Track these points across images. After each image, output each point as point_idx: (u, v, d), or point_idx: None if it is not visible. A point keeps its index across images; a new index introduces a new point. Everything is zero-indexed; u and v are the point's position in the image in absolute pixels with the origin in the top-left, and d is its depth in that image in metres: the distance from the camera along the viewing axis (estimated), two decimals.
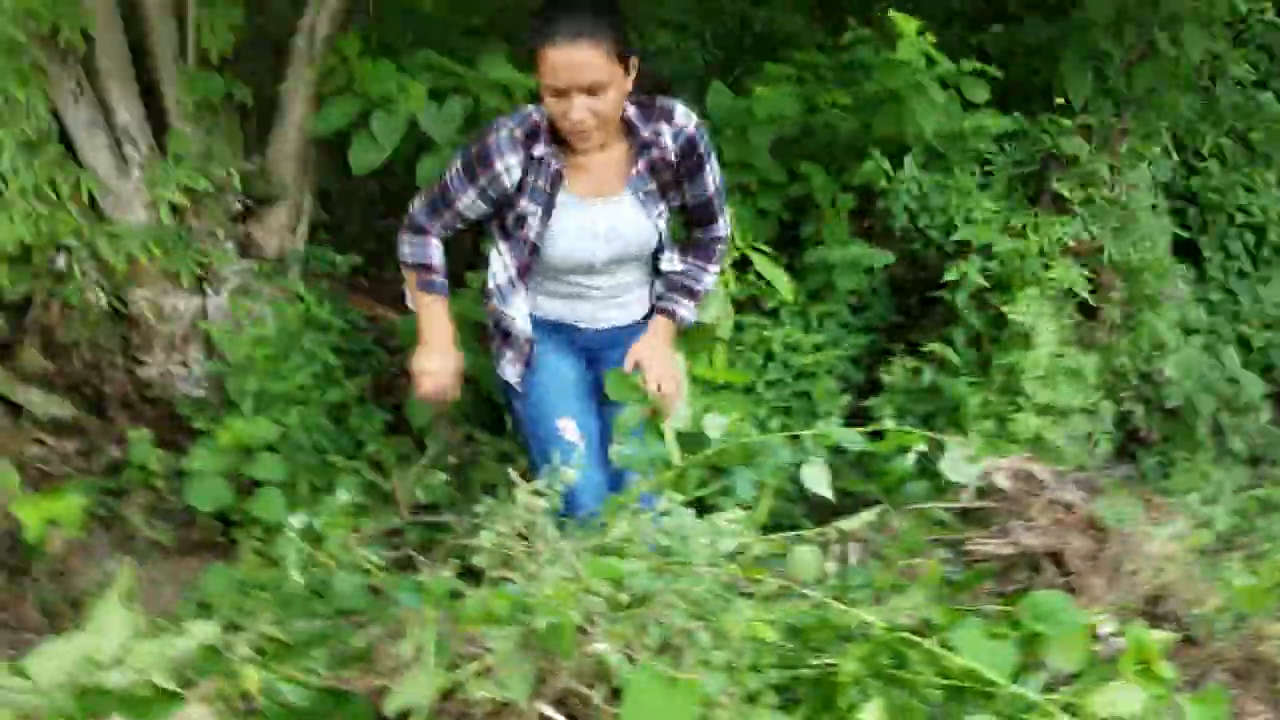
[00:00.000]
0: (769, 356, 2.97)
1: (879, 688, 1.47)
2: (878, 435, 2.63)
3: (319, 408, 2.89)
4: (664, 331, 2.44)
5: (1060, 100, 3.43)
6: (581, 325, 2.44)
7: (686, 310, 2.45)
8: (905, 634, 1.50)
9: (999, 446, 2.73)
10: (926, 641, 1.46)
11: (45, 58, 2.62)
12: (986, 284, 2.99)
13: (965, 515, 2.35)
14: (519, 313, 2.37)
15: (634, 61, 2.15)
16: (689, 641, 1.31)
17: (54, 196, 2.72)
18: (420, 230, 2.36)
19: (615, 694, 1.56)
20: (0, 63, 2.58)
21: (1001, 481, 2.21)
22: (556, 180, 2.23)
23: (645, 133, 2.23)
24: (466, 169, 2.25)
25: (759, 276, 3.06)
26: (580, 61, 2.02)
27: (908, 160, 3.05)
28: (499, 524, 1.50)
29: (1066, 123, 3.32)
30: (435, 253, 2.37)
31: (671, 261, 2.42)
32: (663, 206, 2.31)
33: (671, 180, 2.30)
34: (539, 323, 2.42)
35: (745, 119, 3.07)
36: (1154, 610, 2.02)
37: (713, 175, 2.33)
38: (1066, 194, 3.22)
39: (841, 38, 3.34)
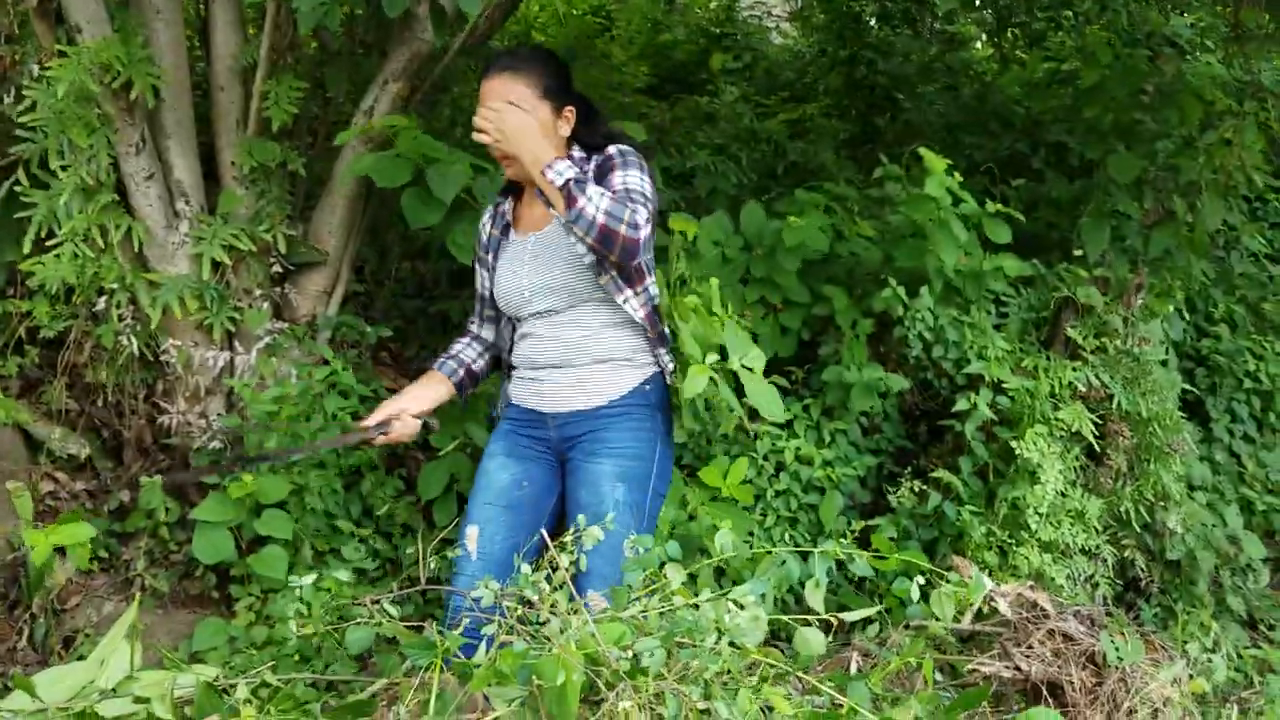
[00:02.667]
0: (780, 467, 3.01)
1: None
2: (880, 556, 2.66)
3: (334, 471, 2.92)
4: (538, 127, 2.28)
5: (1078, 252, 3.55)
6: (545, 410, 2.40)
7: (557, 164, 2.19)
8: None
9: (1001, 579, 2.74)
10: None
11: (114, 109, 2.74)
12: (995, 418, 3.04)
13: (965, 639, 2.36)
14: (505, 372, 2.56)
15: (570, 112, 2.35)
16: (705, 713, 1.32)
17: (102, 242, 2.81)
18: (463, 331, 2.60)
19: None
20: (70, 109, 2.70)
21: (1003, 608, 2.23)
22: (507, 227, 2.45)
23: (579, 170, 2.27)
24: (475, 256, 2.55)
25: (777, 389, 3.12)
26: (500, 88, 2.28)
27: (923, 291, 3.14)
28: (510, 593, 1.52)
29: (1083, 273, 3.42)
30: (456, 344, 2.58)
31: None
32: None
33: None
34: (516, 413, 2.48)
35: (775, 240, 3.17)
36: None
37: (623, 177, 2.25)
38: (1080, 340, 3.30)
39: (871, 173, 3.48)
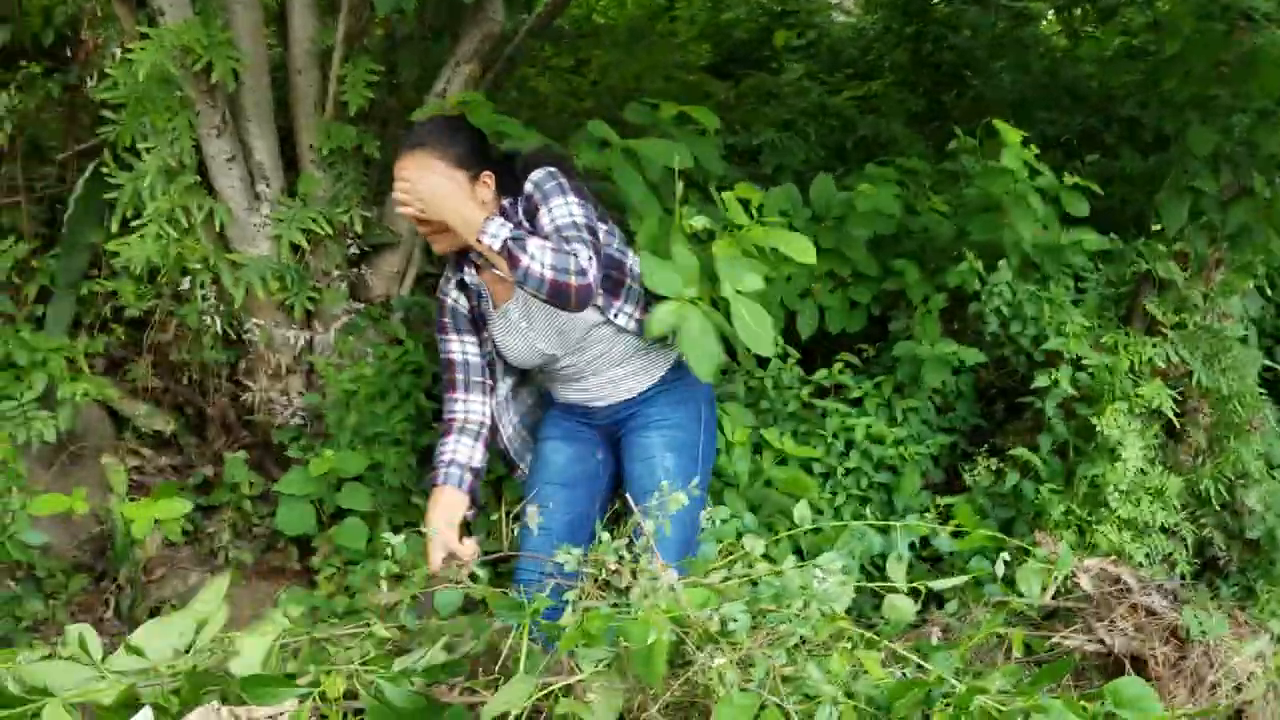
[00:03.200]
0: (850, 444, 2.99)
1: None
2: (961, 531, 2.64)
3: (408, 448, 2.97)
4: (463, 188, 2.29)
5: (1156, 227, 3.47)
6: (593, 404, 2.54)
7: (491, 224, 2.16)
8: (990, 705, 1.50)
9: (1080, 557, 2.71)
10: (1008, 705, 1.46)
11: (195, 91, 2.80)
12: (1076, 394, 3.00)
13: (1045, 615, 2.33)
14: (509, 424, 2.59)
15: (488, 176, 2.33)
16: (788, 680, 1.33)
17: (185, 223, 2.87)
18: (445, 427, 2.49)
19: None
20: (153, 92, 2.76)
21: (1085, 583, 2.20)
22: (479, 298, 2.45)
23: (512, 221, 2.25)
24: (439, 329, 2.51)
25: (847, 365, 3.11)
26: (413, 166, 2.27)
27: (1001, 265, 3.10)
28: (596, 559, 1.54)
29: (1162, 248, 3.35)
30: (446, 444, 2.46)
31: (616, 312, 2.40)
32: None
33: None
34: (557, 407, 2.58)
35: (845, 211, 3.15)
36: None
37: (550, 215, 2.22)
38: (1159, 316, 3.24)
39: (941, 149, 3.43)
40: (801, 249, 2.48)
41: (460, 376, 2.49)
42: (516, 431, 2.65)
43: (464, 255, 2.43)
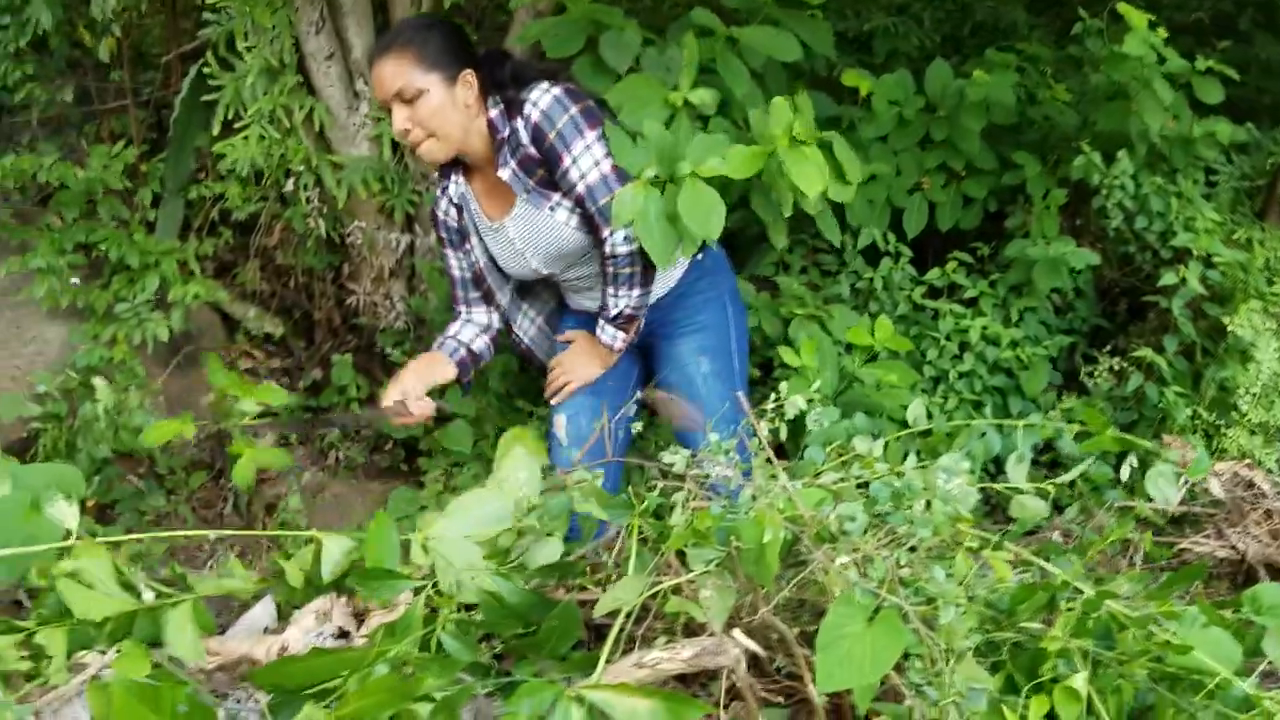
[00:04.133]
0: (964, 347, 2.88)
1: (1086, 662, 1.41)
2: (1085, 432, 2.53)
3: (510, 351, 2.96)
4: (593, 342, 2.34)
5: None
6: None
7: (601, 331, 2.30)
8: (1119, 610, 1.43)
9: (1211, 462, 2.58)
10: (1137, 610, 1.39)
11: None
12: (1205, 293, 2.83)
13: (1172, 521, 2.23)
14: (526, 321, 2.51)
15: (469, 75, 2.13)
16: (906, 582, 1.28)
17: (286, 123, 2.87)
18: (451, 322, 2.45)
19: (808, 636, 1.54)
20: None
21: (1215, 488, 2.09)
22: (464, 209, 2.32)
23: (504, 132, 2.16)
24: (437, 238, 2.42)
25: (961, 264, 2.99)
26: (388, 72, 2.10)
27: (1121, 156, 2.91)
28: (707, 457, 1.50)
29: None
30: (451, 327, 2.43)
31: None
32: (557, 197, 2.19)
33: (547, 175, 2.18)
34: (574, 314, 2.47)
35: (959, 102, 2.99)
36: None
37: (577, 168, 2.12)
38: None
39: (1066, 31, 3.22)
40: (849, 165, 2.33)
41: (460, 292, 2.41)
42: (538, 328, 2.55)
43: (451, 165, 2.30)
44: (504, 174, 2.17)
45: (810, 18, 2.78)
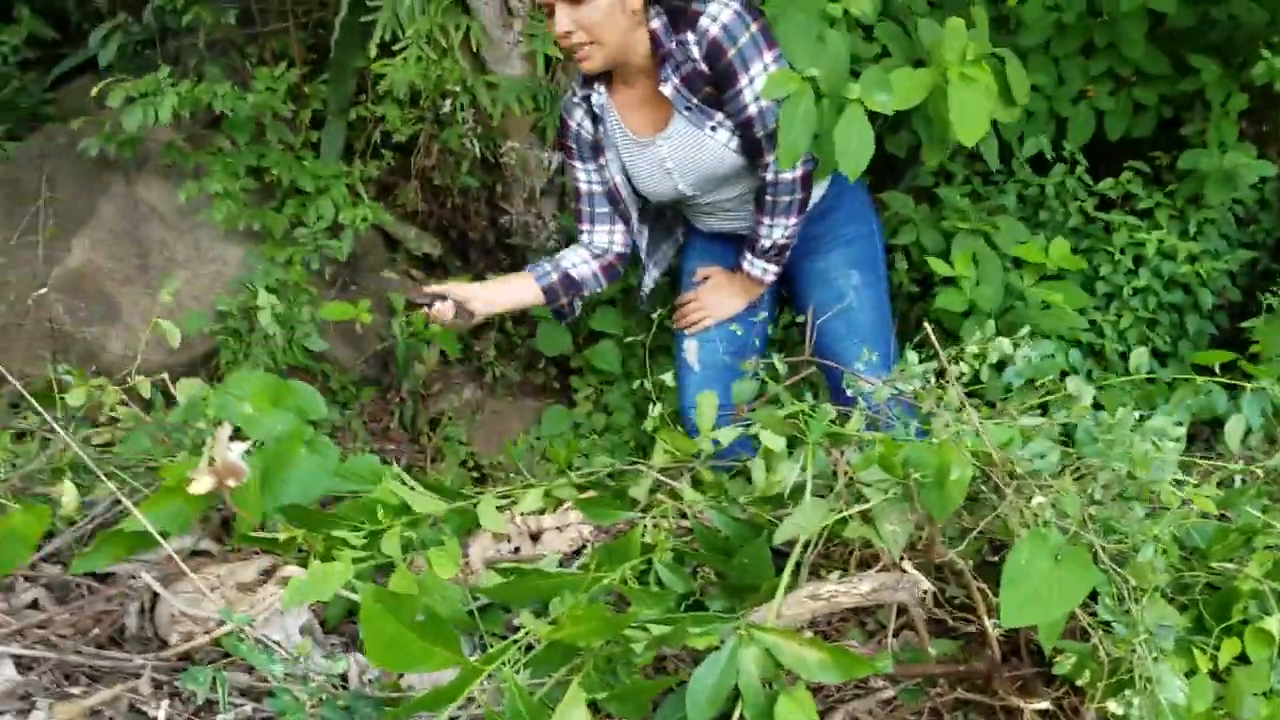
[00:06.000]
0: (1139, 260, 2.75)
1: None
2: (1254, 360, 2.40)
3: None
4: (735, 276, 2.32)
5: None
6: (744, 233, 2.33)
7: (749, 264, 2.26)
8: None
9: None
10: None
11: None
12: None
13: None
14: (641, 239, 2.43)
15: None
16: (1101, 518, 1.25)
17: (443, 44, 2.89)
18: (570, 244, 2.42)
19: (982, 567, 1.53)
20: None
21: None
22: (604, 123, 2.23)
23: (668, 45, 2.06)
24: (563, 149, 2.34)
25: (1136, 174, 2.83)
26: None
27: None
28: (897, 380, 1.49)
29: None
30: (562, 251, 2.40)
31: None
32: (719, 116, 2.11)
33: (713, 94, 2.09)
34: (702, 238, 2.44)
35: (1119, 5, 2.79)
36: None
37: (752, 89, 2.04)
38: None
39: None
40: (1018, 85, 2.22)
41: (586, 208, 2.34)
42: (654, 280, 2.54)
43: (594, 75, 2.21)
44: (666, 89, 2.11)
45: None
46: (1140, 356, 1.66)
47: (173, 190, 2.95)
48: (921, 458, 1.37)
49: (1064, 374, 2.50)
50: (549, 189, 3.13)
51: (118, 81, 2.81)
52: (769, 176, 2.12)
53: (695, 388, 2.34)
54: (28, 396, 1.87)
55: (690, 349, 2.40)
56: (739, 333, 2.35)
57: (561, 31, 2.04)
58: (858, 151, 1.97)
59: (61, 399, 1.90)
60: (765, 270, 2.28)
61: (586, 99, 2.24)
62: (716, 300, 2.37)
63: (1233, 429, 1.57)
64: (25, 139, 3.23)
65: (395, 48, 2.89)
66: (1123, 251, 2.74)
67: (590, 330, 3.02)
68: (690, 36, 2.05)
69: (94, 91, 2.84)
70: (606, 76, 2.22)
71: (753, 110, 2.06)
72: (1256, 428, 1.63)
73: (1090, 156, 2.91)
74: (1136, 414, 1.31)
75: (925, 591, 1.38)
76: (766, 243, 2.22)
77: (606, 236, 2.36)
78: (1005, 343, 1.53)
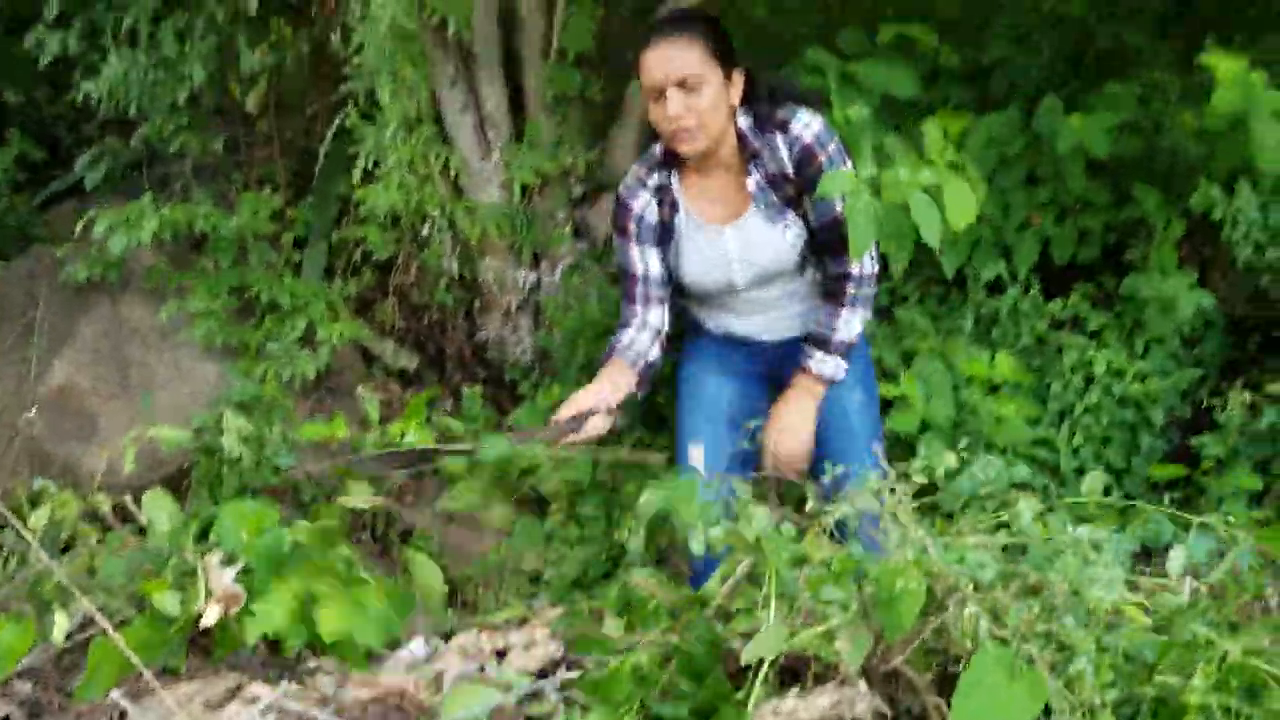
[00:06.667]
0: (1089, 380, 2.86)
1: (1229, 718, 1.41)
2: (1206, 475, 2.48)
3: None
4: (796, 389, 2.31)
5: None
6: (760, 338, 2.39)
7: (820, 364, 2.27)
8: (1264, 668, 1.43)
9: None
10: None
11: (431, 44, 2.92)
12: None
13: None
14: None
15: (738, 75, 2.16)
16: (1043, 631, 1.31)
17: (424, 171, 3.03)
18: (620, 328, 2.36)
19: (942, 683, 1.58)
20: (393, 47, 2.90)
21: None
22: (675, 206, 2.26)
23: (756, 144, 2.17)
24: (619, 231, 2.33)
25: (1085, 297, 2.97)
26: (673, 54, 2.08)
27: (1241, 188, 2.85)
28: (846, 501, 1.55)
29: None
30: (625, 335, 2.35)
31: (816, 311, 2.32)
32: (791, 217, 2.21)
33: (794, 194, 2.19)
34: (713, 340, 2.42)
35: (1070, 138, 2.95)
36: None
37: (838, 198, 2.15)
38: None
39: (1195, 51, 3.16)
40: (962, 206, 2.20)
41: (640, 290, 2.32)
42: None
43: (671, 158, 2.26)
44: (750, 183, 2.20)
45: (898, 58, 2.80)
46: (1094, 480, 1.73)
47: (155, 310, 3.03)
48: (874, 574, 1.43)
49: (1016, 487, 2.58)
50: (525, 306, 3.23)
51: (103, 209, 2.92)
52: (855, 271, 2.21)
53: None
54: (7, 514, 1.90)
55: (695, 454, 2.35)
56: (746, 445, 2.31)
57: (674, 114, 2.10)
58: (931, 224, 2.07)
59: (28, 515, 1.94)
60: (838, 367, 2.28)
61: (656, 185, 2.29)
62: (796, 425, 2.31)
63: (1174, 559, 1.63)
64: (13, 259, 3.31)
65: (377, 174, 3.02)
66: (1073, 370, 2.85)
67: None
68: (779, 140, 2.16)
69: (79, 225, 2.94)
70: (679, 164, 2.28)
71: (839, 212, 2.14)
72: (1202, 560, 1.70)
73: (1044, 279, 3.04)
74: (1081, 530, 1.38)
75: (882, 714, 1.42)
76: (844, 335, 2.25)
77: (659, 317, 2.35)
78: (950, 456, 1.60)
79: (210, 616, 1.49)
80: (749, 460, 2.32)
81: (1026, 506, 1.50)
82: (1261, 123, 2.78)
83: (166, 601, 1.53)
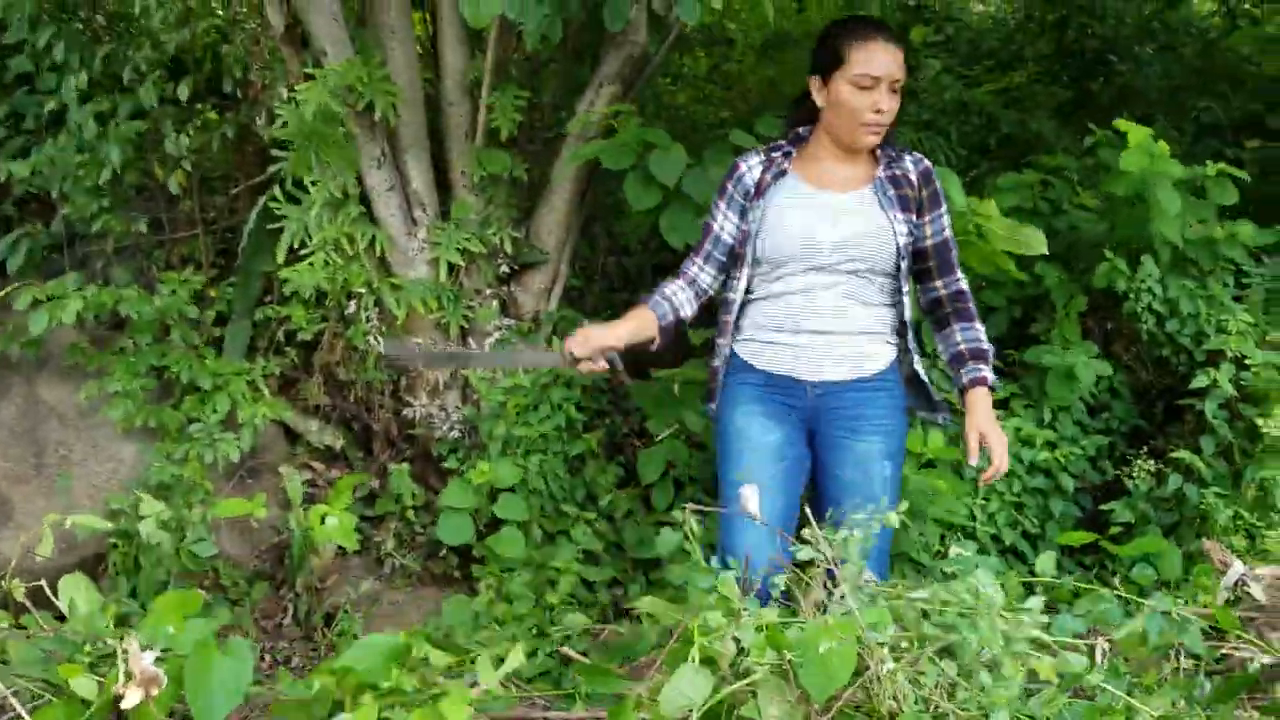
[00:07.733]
0: None
1: None
2: (1115, 540, 2.57)
3: (559, 458, 3.07)
4: (983, 402, 2.35)
5: None
6: (801, 377, 2.34)
7: (990, 372, 2.36)
8: None
9: (1251, 564, 2.61)
10: None
11: (357, 127, 2.96)
12: (1239, 395, 2.89)
13: (1213, 626, 2.26)
14: (726, 335, 2.41)
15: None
16: (961, 687, 1.35)
17: (349, 250, 3.04)
18: (678, 274, 2.41)
19: None
20: (319, 129, 2.93)
21: (1257, 592, 2.13)
22: (781, 174, 2.35)
23: (893, 152, 2.36)
24: (720, 190, 2.41)
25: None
26: (895, 59, 2.25)
27: (1145, 261, 3.01)
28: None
29: None
30: (670, 285, 2.39)
31: (947, 336, 2.41)
32: (901, 216, 2.29)
33: (913, 201, 2.32)
34: (763, 377, 2.38)
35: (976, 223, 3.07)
36: None
37: (948, 219, 2.37)
38: None
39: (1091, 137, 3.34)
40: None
41: (709, 247, 2.39)
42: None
43: (793, 142, 2.39)
44: (879, 170, 2.32)
45: None
46: (1047, 560, 1.80)
47: (73, 390, 2.99)
48: (799, 638, 1.45)
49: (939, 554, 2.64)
50: (452, 382, 3.24)
51: (23, 286, 2.88)
52: (957, 288, 2.40)
53: (755, 538, 2.23)
54: None
55: (750, 495, 2.16)
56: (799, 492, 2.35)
57: (888, 108, 2.26)
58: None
59: None
60: (992, 374, 2.37)
61: (769, 156, 2.39)
62: (1003, 446, 2.36)
63: (1077, 621, 1.70)
64: None
65: (303, 253, 3.03)
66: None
67: (493, 517, 3.06)
68: (908, 157, 2.36)
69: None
70: (801, 145, 2.39)
71: (948, 235, 2.37)
72: (1155, 640, 1.76)
73: None
74: (1000, 593, 1.43)
75: None
76: (986, 343, 2.38)
77: (710, 278, 2.41)
78: (892, 516, 1.65)
79: (131, 699, 1.46)
80: (795, 509, 2.32)
81: (989, 585, 1.53)
82: (1164, 191, 2.95)
83: (83, 685, 1.49)
